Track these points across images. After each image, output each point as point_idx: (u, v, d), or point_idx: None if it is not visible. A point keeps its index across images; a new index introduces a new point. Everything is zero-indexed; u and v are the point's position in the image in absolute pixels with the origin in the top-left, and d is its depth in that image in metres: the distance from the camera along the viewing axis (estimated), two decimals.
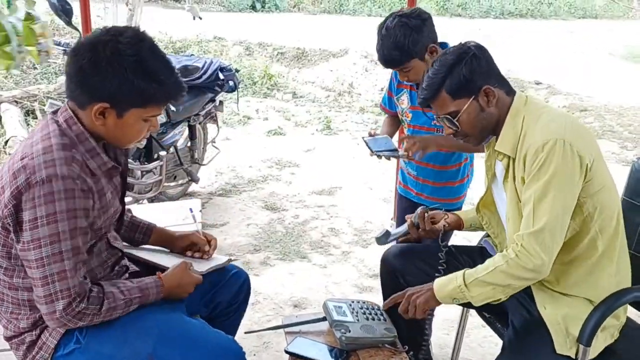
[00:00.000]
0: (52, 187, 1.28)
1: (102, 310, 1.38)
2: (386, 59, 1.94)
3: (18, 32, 2.47)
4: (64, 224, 1.30)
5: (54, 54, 5.91)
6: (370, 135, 2.09)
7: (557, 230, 1.46)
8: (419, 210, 1.86)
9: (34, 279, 1.33)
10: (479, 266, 1.54)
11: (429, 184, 2.17)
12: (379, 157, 2.02)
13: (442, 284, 1.58)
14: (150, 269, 1.66)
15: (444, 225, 1.85)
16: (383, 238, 1.88)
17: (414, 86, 2.09)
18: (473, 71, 1.54)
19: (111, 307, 1.40)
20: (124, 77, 1.32)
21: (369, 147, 2.03)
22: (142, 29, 1.41)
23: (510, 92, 1.60)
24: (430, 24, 1.95)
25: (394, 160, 2.26)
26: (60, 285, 1.32)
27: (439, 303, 1.59)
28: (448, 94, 1.55)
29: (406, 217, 1.90)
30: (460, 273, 1.55)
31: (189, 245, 1.77)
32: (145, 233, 1.75)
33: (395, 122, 2.27)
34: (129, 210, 1.77)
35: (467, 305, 1.86)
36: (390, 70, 2.15)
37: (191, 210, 2.07)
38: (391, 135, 2.19)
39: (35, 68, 5.85)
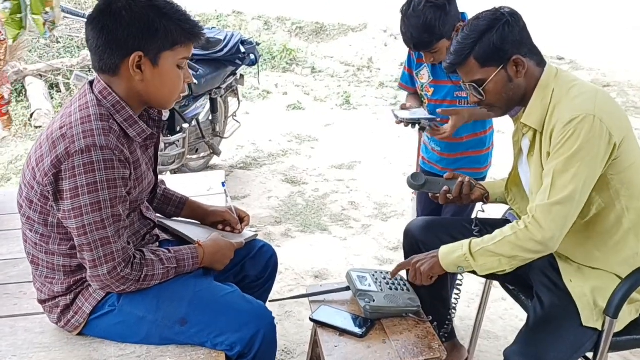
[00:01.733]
0: (91, 156, 1.30)
1: (141, 277, 1.41)
2: (415, 43, 1.90)
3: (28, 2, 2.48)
4: (104, 193, 1.32)
5: (77, 28, 5.94)
6: (402, 108, 2.07)
7: (573, 205, 1.43)
8: (460, 178, 1.80)
9: (79, 245, 1.36)
10: (487, 236, 1.54)
11: (455, 157, 2.15)
12: (407, 124, 2.00)
13: (447, 252, 1.58)
14: (181, 239, 1.69)
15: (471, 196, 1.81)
16: (417, 179, 1.81)
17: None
18: (504, 39, 1.49)
19: (149, 274, 1.42)
20: (145, 19, 1.34)
21: (396, 115, 2.01)
22: None
23: (541, 64, 1.55)
24: (454, 1, 1.91)
25: (414, 136, 2.24)
26: (104, 250, 1.35)
27: (443, 270, 1.60)
28: (476, 61, 1.52)
29: (445, 175, 1.83)
30: (466, 241, 1.55)
31: (220, 222, 1.78)
32: (178, 206, 1.77)
33: (418, 98, 2.24)
34: (163, 182, 1.79)
35: (492, 277, 1.89)
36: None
37: (223, 184, 2.08)
38: None
39: (58, 42, 5.88)
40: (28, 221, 1.43)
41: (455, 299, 1.82)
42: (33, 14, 2.58)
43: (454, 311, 1.83)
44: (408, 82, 2.22)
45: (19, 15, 2.52)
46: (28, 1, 2.57)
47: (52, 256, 1.44)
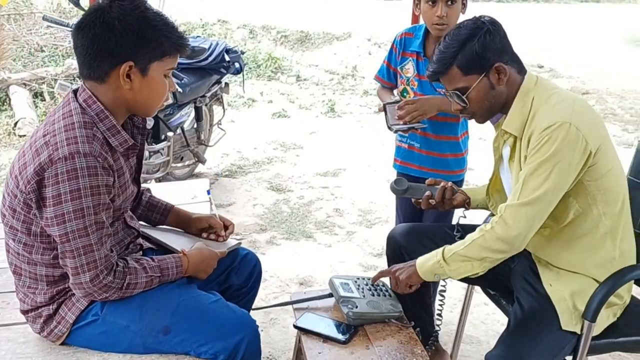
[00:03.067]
0: (74, 163, 1.30)
1: (124, 285, 1.41)
2: None
3: None
4: (87, 200, 1.32)
5: (61, 37, 5.93)
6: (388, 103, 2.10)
7: (542, 206, 1.46)
8: (443, 183, 1.81)
9: (62, 252, 1.36)
10: (459, 241, 1.57)
11: (432, 155, 2.16)
12: (396, 131, 2.04)
13: (424, 260, 1.61)
14: (165, 249, 1.69)
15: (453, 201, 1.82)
16: (399, 185, 1.82)
17: (420, 55, 2.08)
18: (486, 47, 1.51)
19: (132, 283, 1.42)
20: (137, 31, 1.35)
21: (387, 119, 2.04)
22: None
23: (522, 71, 1.58)
24: None
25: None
26: (87, 258, 1.34)
27: (421, 279, 1.63)
28: (459, 69, 1.53)
29: (427, 181, 1.84)
30: (440, 249, 1.58)
31: (205, 228, 1.78)
32: (163, 213, 1.77)
33: (390, 92, 2.25)
34: (148, 190, 1.79)
35: (474, 283, 1.92)
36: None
37: (208, 192, 2.08)
38: None
39: (42, 51, 5.86)
40: (11, 230, 1.42)
41: (440, 305, 1.83)
42: None
43: (440, 318, 1.85)
44: (384, 75, 2.24)
45: None
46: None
47: (34, 266, 1.43)
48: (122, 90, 1.39)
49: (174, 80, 3.24)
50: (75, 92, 1.43)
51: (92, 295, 1.40)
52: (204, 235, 1.78)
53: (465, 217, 1.85)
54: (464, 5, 2.02)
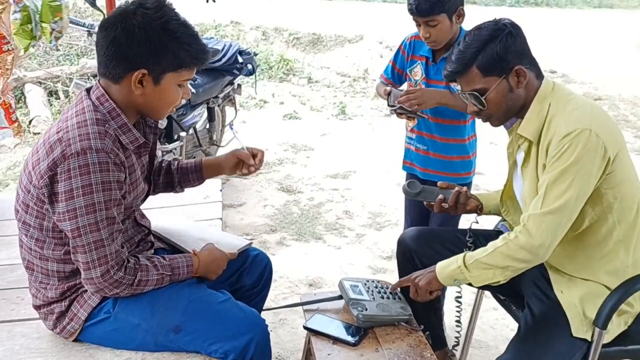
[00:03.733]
0: (86, 159, 1.32)
1: (134, 281, 1.43)
2: (419, 5, 1.93)
3: (38, 11, 2.51)
4: (99, 195, 1.34)
5: (77, 36, 6.00)
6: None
7: (565, 216, 1.45)
8: (457, 188, 1.80)
9: (73, 247, 1.38)
10: (481, 248, 1.55)
11: (440, 158, 2.17)
12: (398, 113, 2.05)
13: (444, 266, 1.60)
14: (176, 248, 1.71)
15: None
16: (412, 187, 1.82)
17: (429, 59, 2.10)
18: (507, 49, 1.50)
19: (143, 280, 1.44)
20: (156, 41, 1.36)
21: (389, 100, 2.06)
22: None
23: (540, 76, 1.57)
24: None
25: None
26: (98, 253, 1.36)
27: (440, 285, 1.61)
28: (479, 70, 1.52)
29: (439, 184, 1.84)
30: (461, 255, 1.57)
31: (236, 164, 1.75)
32: (197, 171, 1.76)
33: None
34: (176, 159, 1.81)
35: (484, 288, 1.91)
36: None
37: (231, 126, 2.08)
38: None
39: (58, 50, 5.92)
40: (24, 226, 1.45)
41: (458, 311, 1.81)
42: (42, 21, 2.61)
43: (459, 324, 1.83)
44: (389, 75, 2.27)
45: (29, 26, 2.55)
46: (37, 10, 2.61)
47: (46, 262, 1.45)
48: (134, 94, 1.41)
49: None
50: (88, 90, 1.45)
51: (103, 290, 1.41)
52: (239, 171, 1.74)
53: (477, 222, 1.85)
54: (460, 16, 2.00)
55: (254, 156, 1.75)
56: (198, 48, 1.42)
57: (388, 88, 2.12)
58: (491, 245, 1.53)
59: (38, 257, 1.46)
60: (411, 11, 1.98)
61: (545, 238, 1.45)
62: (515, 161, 1.69)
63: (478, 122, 1.94)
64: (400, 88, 2.22)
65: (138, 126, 1.54)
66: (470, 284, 1.60)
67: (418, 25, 2.03)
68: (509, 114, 1.59)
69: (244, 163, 1.73)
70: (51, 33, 2.64)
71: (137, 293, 1.45)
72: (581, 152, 1.43)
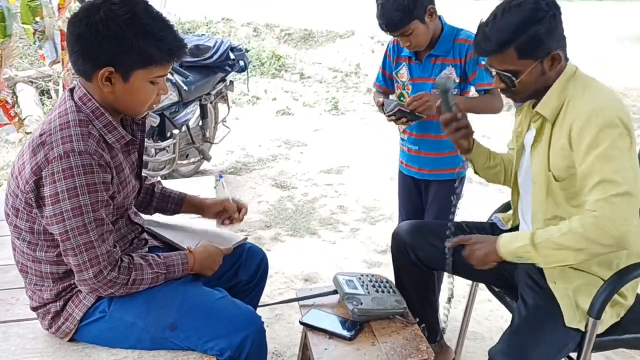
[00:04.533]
0: (70, 162, 1.30)
1: (129, 281, 1.42)
2: (388, 22, 1.93)
3: (14, 10, 2.48)
4: (85, 197, 1.32)
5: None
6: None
7: (632, 196, 1.38)
8: (455, 239, 1.73)
9: (64, 250, 1.37)
10: (551, 227, 1.49)
11: (433, 156, 2.17)
12: (398, 118, 2.04)
13: (507, 241, 1.54)
14: (170, 245, 1.70)
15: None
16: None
17: (412, 58, 2.10)
18: (549, 33, 1.44)
19: (138, 279, 1.43)
20: (122, 37, 1.31)
21: (385, 108, 2.04)
22: None
23: (566, 58, 1.54)
24: None
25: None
26: (89, 254, 1.35)
27: (499, 259, 1.56)
28: (515, 52, 1.45)
29: (447, 245, 1.76)
30: (527, 232, 1.51)
31: (220, 212, 1.78)
32: (177, 202, 1.78)
33: (385, 97, 2.27)
34: (159, 182, 1.80)
35: (478, 279, 1.93)
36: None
37: (220, 176, 2.10)
38: None
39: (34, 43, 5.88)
40: (15, 229, 1.44)
41: (447, 310, 1.81)
42: (23, 23, 2.60)
43: (446, 315, 1.85)
44: (381, 82, 2.27)
45: (2, 24, 2.53)
46: (15, 10, 2.59)
47: (39, 264, 1.45)
48: (105, 91, 1.38)
49: (179, 78, 3.26)
50: (71, 90, 1.43)
51: (97, 291, 1.41)
52: (219, 219, 1.79)
53: (466, 168, 1.80)
54: (432, 13, 1.97)
55: (238, 209, 1.80)
56: (170, 43, 1.37)
57: (380, 99, 2.11)
58: (564, 225, 1.45)
59: (31, 260, 1.45)
60: (382, 29, 1.98)
61: (624, 220, 1.37)
62: (523, 144, 1.66)
63: (470, 116, 1.95)
64: (392, 97, 2.21)
65: (125, 123, 1.52)
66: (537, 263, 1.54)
67: (394, 36, 2.04)
68: (535, 94, 1.56)
69: (227, 213, 1.79)
70: (34, 34, 2.62)
71: (133, 292, 1.44)
72: (622, 128, 1.40)
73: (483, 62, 2.01)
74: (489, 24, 1.48)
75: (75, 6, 2.75)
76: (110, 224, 1.41)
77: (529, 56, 1.46)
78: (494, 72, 1.53)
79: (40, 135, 1.34)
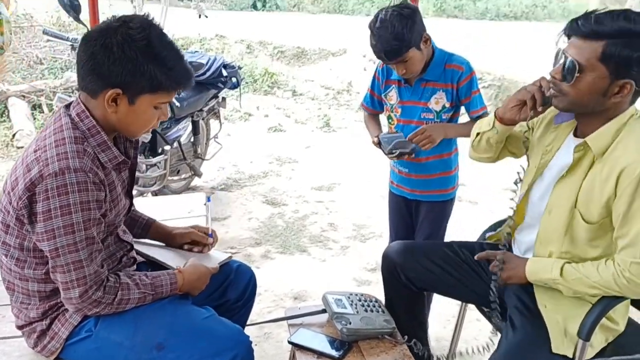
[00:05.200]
0: (64, 179, 1.30)
1: (115, 300, 1.41)
2: (386, 51, 1.92)
3: None
4: (77, 215, 1.32)
5: (60, 50, 5.98)
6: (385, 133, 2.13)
7: None
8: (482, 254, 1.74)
9: (52, 267, 1.37)
10: (580, 266, 1.50)
11: (424, 178, 2.18)
12: (393, 157, 2.06)
13: (534, 271, 1.55)
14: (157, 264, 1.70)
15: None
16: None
17: (402, 82, 2.11)
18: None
19: (124, 299, 1.42)
20: (135, 61, 1.33)
21: (384, 147, 2.06)
22: (150, 17, 1.41)
23: (634, 101, 1.46)
24: (419, 13, 1.98)
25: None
26: (77, 273, 1.35)
27: (524, 282, 1.59)
28: (601, 52, 1.36)
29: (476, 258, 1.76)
30: (556, 265, 1.51)
31: (188, 243, 1.78)
32: (144, 228, 1.77)
33: (376, 119, 2.30)
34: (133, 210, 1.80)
35: (466, 300, 1.93)
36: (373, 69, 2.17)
37: (209, 199, 2.10)
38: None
39: (42, 63, 5.89)
40: (3, 246, 1.43)
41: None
42: None
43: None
44: (369, 103, 2.28)
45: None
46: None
47: (26, 282, 1.44)
48: (108, 111, 1.40)
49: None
50: (67, 106, 1.43)
51: (82, 310, 1.40)
52: (186, 247, 1.78)
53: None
54: (426, 40, 2.00)
55: (206, 234, 1.80)
56: (180, 72, 1.40)
57: (375, 139, 2.11)
58: (596, 273, 1.47)
59: (18, 278, 1.44)
60: (380, 58, 1.98)
61: None
62: (547, 161, 1.60)
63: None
64: (385, 132, 2.19)
65: (118, 140, 1.53)
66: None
67: (389, 64, 2.03)
68: (580, 108, 1.47)
69: (200, 248, 1.79)
70: None
71: (119, 311, 1.43)
72: None
73: (476, 90, 2.05)
74: (601, 13, 1.38)
75: None
76: (100, 243, 1.41)
77: (607, 65, 1.36)
78: (563, 56, 1.42)
79: (35, 151, 1.34)
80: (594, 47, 1.37)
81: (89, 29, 2.95)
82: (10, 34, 2.77)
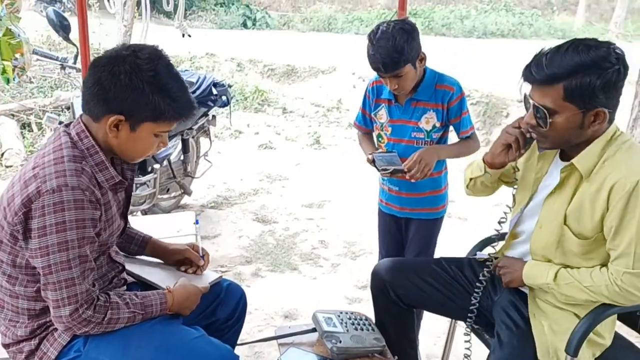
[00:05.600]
0: (62, 196, 1.31)
1: (104, 320, 1.41)
2: (385, 62, 1.92)
3: None
4: (72, 233, 1.33)
5: (50, 69, 5.99)
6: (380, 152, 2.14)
7: None
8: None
9: (44, 284, 1.37)
10: (574, 271, 1.52)
11: (414, 196, 2.19)
12: (386, 175, 2.06)
13: (532, 275, 1.60)
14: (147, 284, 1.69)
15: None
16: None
17: (392, 101, 2.13)
18: (606, 88, 1.36)
19: (114, 317, 1.42)
20: (141, 91, 1.36)
21: (377, 165, 2.06)
22: (159, 48, 1.45)
23: (611, 121, 1.47)
24: (418, 31, 2.01)
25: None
26: (68, 292, 1.35)
27: (523, 284, 1.64)
28: (563, 92, 1.38)
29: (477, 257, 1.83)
30: (552, 270, 1.55)
31: (182, 260, 1.79)
32: (141, 245, 1.78)
33: (370, 137, 2.31)
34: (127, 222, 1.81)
35: (455, 317, 1.94)
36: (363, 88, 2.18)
37: (197, 222, 2.10)
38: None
39: (31, 82, 5.89)
40: None
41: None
42: (3, 59, 2.61)
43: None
44: (361, 122, 2.30)
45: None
46: None
47: (16, 299, 1.43)
48: (109, 136, 1.42)
49: None
50: (67, 125, 1.45)
51: (72, 329, 1.40)
52: (182, 268, 1.79)
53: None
54: (422, 59, 2.03)
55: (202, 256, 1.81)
56: (183, 104, 1.43)
57: (370, 156, 2.12)
58: (589, 278, 1.50)
59: (8, 295, 1.44)
60: (377, 69, 1.99)
61: None
62: (540, 179, 1.63)
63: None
64: (379, 151, 2.19)
65: (116, 161, 1.54)
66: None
67: (383, 77, 2.04)
68: (563, 144, 1.51)
69: (194, 267, 1.79)
70: (14, 70, 2.64)
71: (108, 331, 1.43)
72: None
73: (465, 111, 2.08)
74: (548, 54, 1.41)
75: None
76: (92, 262, 1.41)
77: (574, 101, 1.39)
78: (531, 104, 1.46)
79: (33, 168, 1.36)
80: (554, 90, 1.40)
81: (79, 49, 2.99)
82: (30, 54, 2.78)
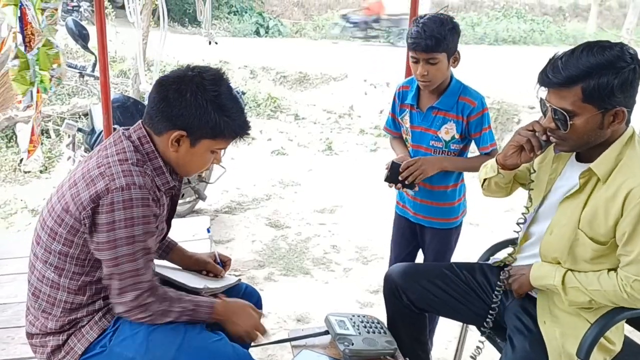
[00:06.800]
0: (130, 194, 1.40)
1: (159, 309, 1.48)
2: (427, 38, 1.93)
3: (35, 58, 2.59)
4: (138, 228, 1.42)
5: (68, 76, 6.11)
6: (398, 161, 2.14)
7: None
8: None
9: (109, 274, 1.44)
10: (583, 276, 1.54)
11: (427, 204, 2.20)
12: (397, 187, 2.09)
13: (538, 277, 1.62)
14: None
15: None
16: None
17: (414, 106, 2.14)
18: (623, 87, 1.37)
19: (167, 310, 1.49)
20: (204, 109, 1.45)
21: (390, 176, 2.09)
22: (222, 70, 1.54)
23: (629, 121, 1.49)
24: (460, 32, 2.04)
25: None
26: (133, 280, 1.43)
27: (532, 288, 1.67)
28: (581, 93, 1.39)
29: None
30: (559, 272, 1.56)
31: (203, 270, 1.86)
32: (165, 250, 1.84)
33: (402, 141, 2.29)
34: None
35: (467, 321, 1.95)
36: (392, 92, 2.19)
37: (209, 230, 2.15)
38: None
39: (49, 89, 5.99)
40: (45, 253, 1.48)
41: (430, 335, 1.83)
42: (41, 69, 2.70)
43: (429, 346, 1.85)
44: (391, 126, 2.31)
45: (27, 72, 2.64)
46: (35, 58, 2.69)
47: (56, 290, 1.48)
48: (170, 150, 1.50)
49: None
50: (126, 130, 1.54)
51: (131, 313, 1.46)
52: (203, 272, 1.85)
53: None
54: (456, 59, 2.04)
55: (223, 264, 1.89)
56: (240, 124, 1.52)
57: (388, 161, 2.13)
58: (597, 283, 1.52)
59: (49, 285, 1.49)
60: (414, 46, 1.98)
61: None
62: (554, 179, 1.64)
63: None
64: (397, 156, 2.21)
65: (171, 169, 1.60)
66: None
67: (416, 62, 2.01)
68: (583, 146, 1.50)
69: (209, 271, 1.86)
70: (50, 80, 2.73)
71: (157, 322, 1.49)
72: None
73: (487, 126, 2.07)
74: (564, 57, 1.42)
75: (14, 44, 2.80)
76: (154, 253, 1.51)
77: (593, 102, 1.40)
78: (549, 108, 1.46)
79: (98, 167, 1.44)
80: (572, 92, 1.41)
81: (97, 57, 3.06)
82: (65, 65, 2.88)
